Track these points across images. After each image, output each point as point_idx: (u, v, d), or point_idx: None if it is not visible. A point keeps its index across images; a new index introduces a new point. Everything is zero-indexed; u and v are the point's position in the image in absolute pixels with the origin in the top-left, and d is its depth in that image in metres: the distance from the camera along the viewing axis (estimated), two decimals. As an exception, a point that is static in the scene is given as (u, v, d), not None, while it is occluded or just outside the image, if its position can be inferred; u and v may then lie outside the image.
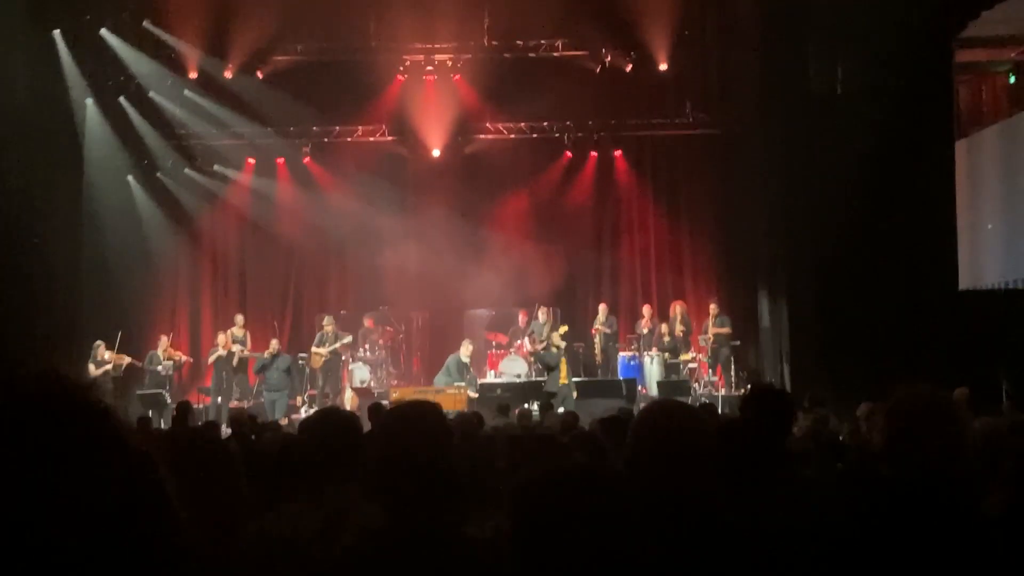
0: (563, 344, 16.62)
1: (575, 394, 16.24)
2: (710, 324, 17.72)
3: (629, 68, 19.04)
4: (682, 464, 2.37)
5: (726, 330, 17.60)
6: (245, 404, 16.09)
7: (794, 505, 3.38)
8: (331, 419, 3.28)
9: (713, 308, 17.83)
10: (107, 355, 16.47)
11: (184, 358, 17.93)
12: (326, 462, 3.03)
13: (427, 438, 2.49)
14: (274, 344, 16.94)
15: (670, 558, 2.16)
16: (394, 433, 2.53)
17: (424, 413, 2.59)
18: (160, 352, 17.22)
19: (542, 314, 17.75)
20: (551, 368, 16.46)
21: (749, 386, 4.53)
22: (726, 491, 2.48)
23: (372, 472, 2.55)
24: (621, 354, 18.22)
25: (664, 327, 17.91)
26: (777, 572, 2.46)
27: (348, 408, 13.60)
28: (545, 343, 17.12)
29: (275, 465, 3.86)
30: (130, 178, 18.68)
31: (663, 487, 2.37)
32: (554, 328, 17.47)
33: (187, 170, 19.40)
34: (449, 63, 19.11)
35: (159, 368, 17.08)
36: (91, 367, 16.28)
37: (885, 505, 2.71)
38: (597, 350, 17.83)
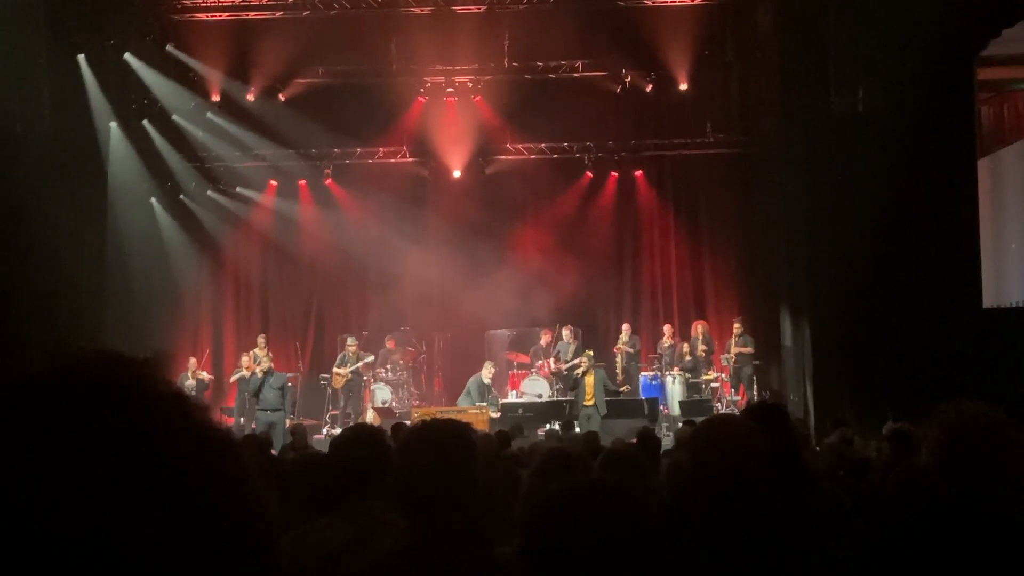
0: (582, 367, 16.31)
1: (602, 413, 16.10)
2: (732, 343, 17.66)
3: (649, 88, 19.10)
4: (741, 482, 2.34)
5: (748, 349, 17.54)
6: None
7: (822, 524, 3.36)
8: (361, 435, 3.30)
9: (737, 327, 17.76)
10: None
11: (209, 376, 17.99)
12: (357, 477, 3.04)
13: (454, 456, 2.49)
14: (266, 362, 16.56)
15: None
16: (421, 450, 2.53)
17: (451, 431, 2.59)
18: (189, 374, 17.27)
19: (567, 334, 17.72)
20: (571, 387, 16.35)
21: (747, 406, 4.50)
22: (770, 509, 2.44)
23: (397, 488, 2.55)
24: (643, 374, 18.17)
25: (685, 347, 17.86)
26: None
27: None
28: (570, 365, 16.99)
29: (304, 482, 3.86)
30: (153, 200, 18.80)
31: (719, 503, 2.34)
32: (579, 348, 17.40)
33: (210, 192, 19.54)
34: (470, 84, 19.19)
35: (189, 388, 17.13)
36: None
37: (944, 525, 2.66)
38: (619, 369, 17.76)
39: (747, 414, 4.32)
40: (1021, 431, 2.75)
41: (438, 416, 2.92)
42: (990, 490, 2.60)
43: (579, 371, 16.12)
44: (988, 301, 15.95)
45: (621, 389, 17.04)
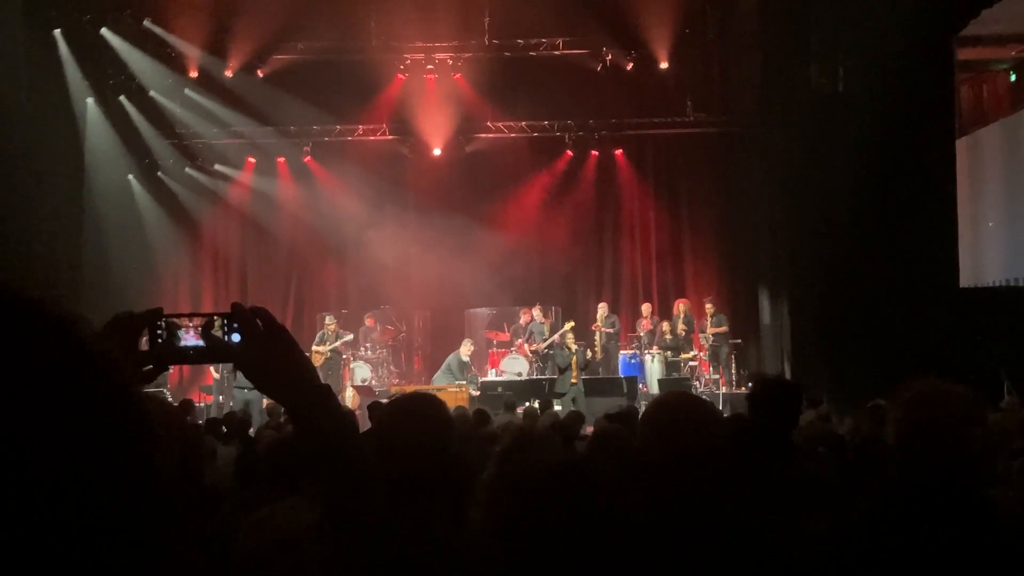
0: (574, 347, 16.40)
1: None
2: (708, 323, 17.69)
3: (630, 67, 19.01)
4: (691, 455, 2.34)
5: (723, 329, 17.54)
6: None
7: (800, 501, 3.37)
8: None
9: (709, 307, 17.75)
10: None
11: None
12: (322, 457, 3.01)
13: (427, 430, 2.47)
14: None
15: (669, 555, 2.14)
16: (394, 425, 2.51)
17: (425, 405, 2.56)
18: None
19: (537, 313, 17.71)
20: (562, 369, 16.36)
21: (756, 380, 4.47)
22: (733, 486, 2.43)
23: (371, 464, 2.52)
24: (622, 352, 18.20)
25: (665, 325, 17.89)
26: (783, 569, 2.42)
27: (349, 406, 13.61)
28: (548, 343, 16.98)
29: (272, 462, 3.85)
30: (131, 177, 18.69)
31: (671, 479, 2.34)
32: (554, 328, 17.41)
33: (188, 169, 19.40)
34: (450, 62, 19.08)
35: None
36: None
37: (895, 507, 2.66)
38: (597, 347, 17.81)
39: (756, 389, 4.33)
40: (983, 408, 2.73)
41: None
42: (950, 467, 2.59)
43: (570, 348, 16.19)
44: (965, 280, 16.03)
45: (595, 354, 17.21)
